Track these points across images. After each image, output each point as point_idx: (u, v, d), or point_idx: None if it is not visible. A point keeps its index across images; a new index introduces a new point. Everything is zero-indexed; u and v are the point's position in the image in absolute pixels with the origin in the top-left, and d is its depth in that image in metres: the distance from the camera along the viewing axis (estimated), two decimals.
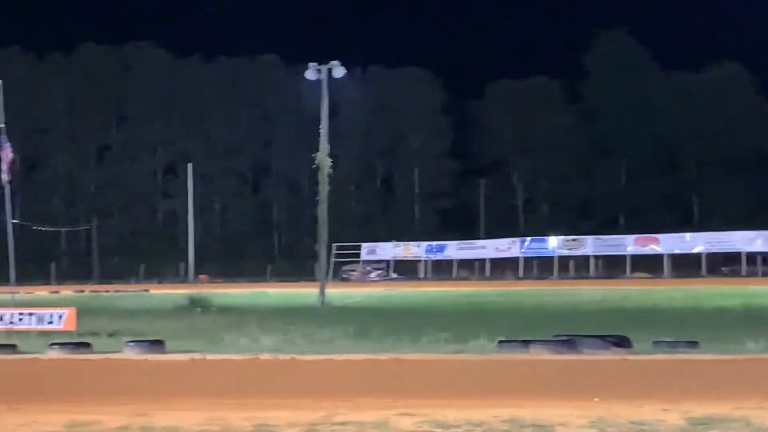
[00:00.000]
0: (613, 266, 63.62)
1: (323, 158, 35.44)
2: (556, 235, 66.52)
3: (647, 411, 10.27)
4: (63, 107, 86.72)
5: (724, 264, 61.60)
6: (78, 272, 73.58)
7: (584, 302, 32.22)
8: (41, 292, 49.97)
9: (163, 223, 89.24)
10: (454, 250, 69.42)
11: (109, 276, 74.14)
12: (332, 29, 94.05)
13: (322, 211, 35.44)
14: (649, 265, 61.60)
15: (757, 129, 77.17)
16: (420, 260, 70.28)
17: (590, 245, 64.59)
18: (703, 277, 55.43)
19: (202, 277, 68.57)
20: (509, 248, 67.20)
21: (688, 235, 63.20)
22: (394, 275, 67.07)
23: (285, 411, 10.32)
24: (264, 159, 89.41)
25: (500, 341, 16.91)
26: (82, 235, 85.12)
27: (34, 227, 58.02)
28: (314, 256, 41.17)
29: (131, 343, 17.64)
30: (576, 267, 64.83)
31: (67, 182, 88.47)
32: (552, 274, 63.06)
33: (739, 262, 59.57)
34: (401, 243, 71.41)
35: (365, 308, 31.18)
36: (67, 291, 54.61)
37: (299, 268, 64.23)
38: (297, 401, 11.24)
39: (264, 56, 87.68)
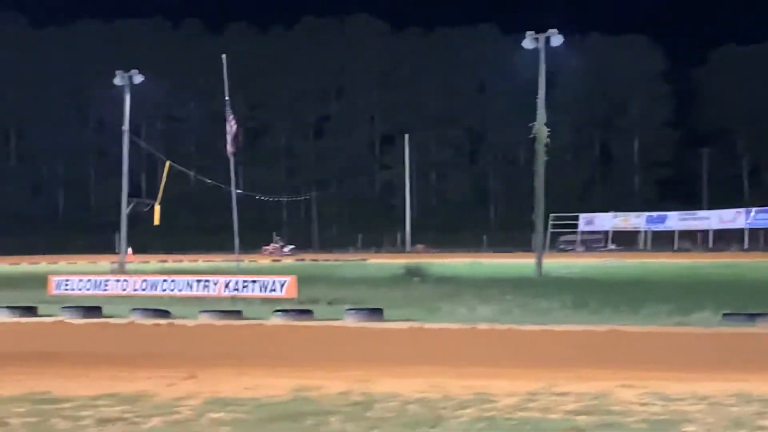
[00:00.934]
0: None
1: (540, 128, 34.91)
2: None
3: None
4: (284, 80, 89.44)
5: None
6: (298, 241, 76.05)
7: None
8: (263, 260, 51.89)
9: (380, 193, 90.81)
10: (676, 220, 67.34)
11: (327, 245, 76.21)
12: None
13: (539, 181, 34.97)
14: None
15: None
16: (639, 231, 68.62)
17: None
18: None
19: (418, 246, 69.48)
20: (734, 219, 64.50)
21: None
22: (612, 246, 65.76)
23: (503, 380, 10.23)
24: (480, 129, 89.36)
25: (725, 314, 16.29)
26: (302, 205, 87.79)
27: (257, 197, 60.22)
28: (530, 227, 40.73)
29: (351, 311, 18.00)
30: None
31: (288, 153, 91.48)
32: None
33: None
34: (620, 214, 69.90)
35: (583, 279, 30.64)
36: (287, 259, 56.47)
37: (515, 239, 63.86)
38: (515, 371, 11.13)
39: (481, 25, 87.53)
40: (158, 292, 24.01)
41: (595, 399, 9.13)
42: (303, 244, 75.14)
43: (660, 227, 67.71)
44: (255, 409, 8.32)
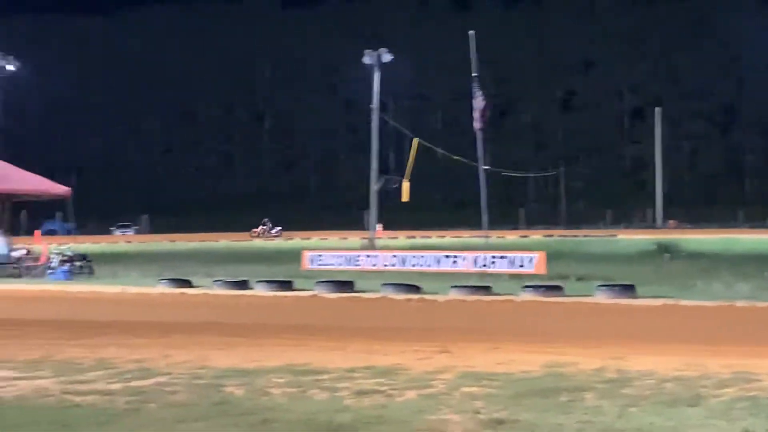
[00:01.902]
0: None
1: None
2: None
3: None
4: (531, 55, 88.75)
5: None
6: (545, 217, 75.26)
7: None
8: (511, 236, 51.76)
9: (629, 168, 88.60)
10: None
11: (575, 220, 75.08)
12: None
13: None
14: None
15: None
16: None
17: None
18: None
19: (670, 222, 67.25)
20: None
21: None
22: None
23: (766, 359, 9.68)
24: (734, 101, 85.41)
25: None
26: (550, 181, 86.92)
27: (504, 173, 60.03)
28: None
29: (602, 287, 17.62)
30: None
31: (535, 128, 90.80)
32: None
33: None
34: None
35: None
36: (535, 235, 56.08)
37: None
38: None
39: None
40: (408, 267, 24.42)
41: None
42: (551, 220, 74.38)
43: None
44: (508, 384, 8.25)
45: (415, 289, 18.56)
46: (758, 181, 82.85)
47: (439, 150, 43.05)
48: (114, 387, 8.15)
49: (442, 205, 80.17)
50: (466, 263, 23.75)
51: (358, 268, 24.85)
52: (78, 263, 24.26)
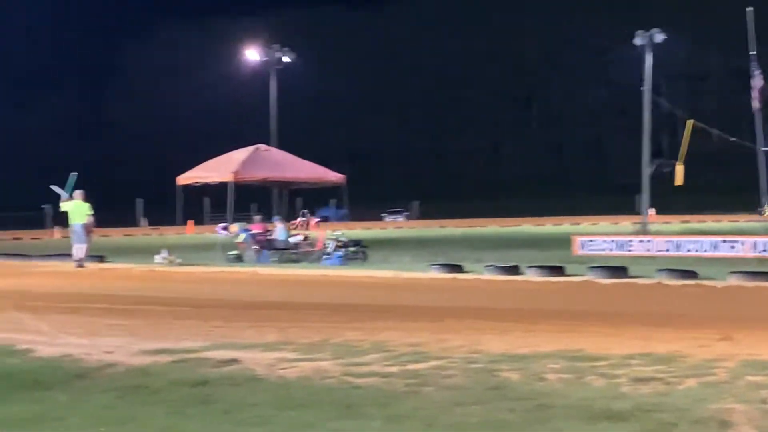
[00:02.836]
0: None
1: None
2: None
3: None
4: None
5: None
6: None
7: None
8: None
9: None
10: None
11: None
12: None
13: None
14: None
15: None
16: None
17: None
18: None
19: None
20: None
21: None
22: None
23: None
24: None
25: None
26: None
27: None
28: None
29: None
30: None
31: None
32: None
33: None
34: None
35: None
36: None
37: None
38: None
39: None
40: (683, 252, 23.59)
41: None
42: None
43: None
44: None
45: (692, 274, 17.84)
46: None
47: (715, 131, 41.34)
48: (391, 369, 8.31)
49: (717, 188, 76.85)
50: (745, 248, 22.65)
51: (630, 253, 24.27)
52: (352, 249, 25.00)
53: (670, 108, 47.99)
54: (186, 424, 6.39)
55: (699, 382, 7.53)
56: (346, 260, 24.03)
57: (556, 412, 6.56)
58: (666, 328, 10.81)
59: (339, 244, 24.80)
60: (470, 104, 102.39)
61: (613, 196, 72.73)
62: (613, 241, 25.81)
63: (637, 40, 39.49)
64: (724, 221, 50.18)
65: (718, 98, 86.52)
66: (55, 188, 26.26)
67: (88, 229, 25.50)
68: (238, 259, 25.59)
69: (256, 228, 27.31)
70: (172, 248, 26.84)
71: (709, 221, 51.59)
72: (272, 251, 25.96)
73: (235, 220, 28.62)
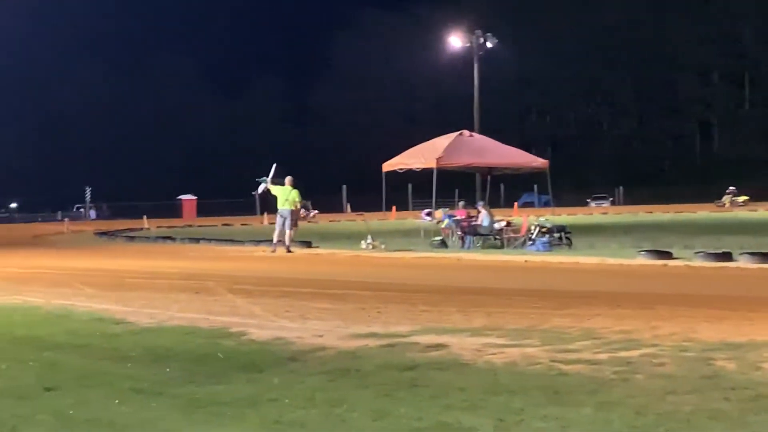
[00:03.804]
0: None
1: None
2: None
3: None
4: None
5: None
6: None
7: None
8: None
9: None
10: None
11: None
12: None
13: None
14: None
15: None
16: None
17: None
18: None
19: None
20: None
21: None
22: None
23: None
24: None
25: None
26: None
27: None
28: None
29: None
30: None
31: None
32: None
33: None
34: None
35: None
36: None
37: None
38: None
39: None
40: None
41: None
42: None
43: None
44: None
45: None
46: None
47: None
48: (601, 357, 8.15)
49: None
50: None
51: None
52: (556, 235, 24.67)
53: None
54: (395, 407, 6.46)
55: None
56: (551, 246, 23.72)
57: None
58: None
59: (543, 230, 24.51)
60: (679, 86, 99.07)
61: None
62: None
63: None
64: None
65: None
66: (260, 180, 27.22)
67: (295, 216, 26.36)
68: (443, 244, 25.73)
69: (460, 214, 27.41)
70: (375, 234, 27.27)
71: None
72: (476, 237, 25.98)
73: (438, 206, 28.80)
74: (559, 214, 35.42)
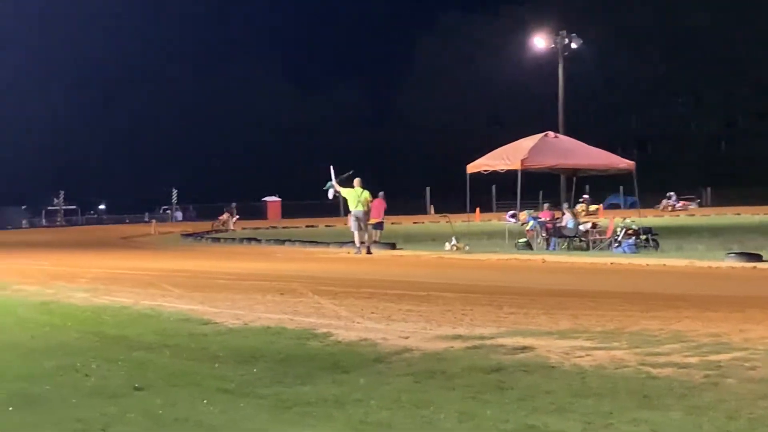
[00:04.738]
0: None
1: None
2: None
3: None
4: None
5: None
6: None
7: None
8: None
9: None
10: None
11: None
12: None
13: None
14: None
15: None
16: None
17: None
18: None
19: None
20: None
21: None
22: None
23: None
24: None
25: None
26: None
27: None
28: None
29: None
30: None
31: None
32: None
33: None
34: None
35: None
36: None
37: None
38: None
39: None
40: None
41: None
42: None
43: None
44: None
45: None
46: None
47: None
48: (690, 360, 8.00)
49: None
50: None
51: None
52: (643, 237, 24.34)
53: None
54: (482, 409, 6.44)
55: None
56: (637, 248, 23.42)
57: None
58: None
59: (629, 231, 24.20)
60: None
61: None
62: None
63: None
64: None
65: None
66: (327, 186, 27.40)
67: (367, 217, 26.64)
68: (527, 246, 25.57)
69: (545, 215, 27.23)
70: (460, 236, 27.22)
71: None
72: (561, 239, 25.76)
73: (522, 208, 28.63)
74: (645, 216, 34.93)
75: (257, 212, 75.15)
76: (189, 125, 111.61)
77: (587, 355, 8.41)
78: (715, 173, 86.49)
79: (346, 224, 30.50)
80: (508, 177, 28.45)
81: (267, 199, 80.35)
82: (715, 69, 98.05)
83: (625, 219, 27.11)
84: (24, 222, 79.74)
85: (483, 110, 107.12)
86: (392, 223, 42.44)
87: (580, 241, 25.79)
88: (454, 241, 26.10)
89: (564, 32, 47.56)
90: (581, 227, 26.15)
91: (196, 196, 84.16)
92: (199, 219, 72.63)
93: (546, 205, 29.32)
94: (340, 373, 7.89)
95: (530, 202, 33.86)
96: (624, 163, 28.79)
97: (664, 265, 19.57)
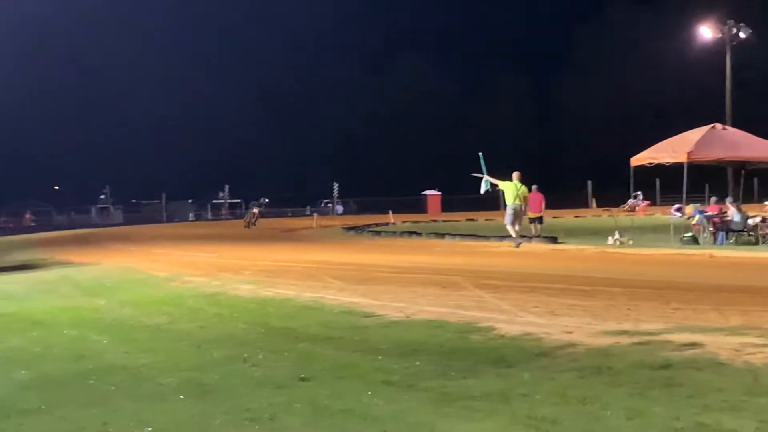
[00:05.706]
0: None
1: None
2: None
3: None
4: None
5: None
6: None
7: None
8: None
9: None
10: None
11: None
12: None
13: None
14: None
15: None
16: None
17: None
18: None
19: None
20: None
21: None
22: None
23: None
24: None
25: None
26: None
27: None
28: None
29: None
30: None
31: None
32: None
33: None
34: None
35: None
36: None
37: None
38: None
39: None
40: None
41: None
42: None
43: None
44: None
45: None
46: None
47: None
48: None
49: None
50: None
51: None
52: None
53: None
54: (650, 406, 6.29)
55: None
56: None
57: None
58: None
59: None
60: None
61: None
62: None
63: None
64: None
65: None
66: (480, 175, 27.31)
67: (523, 211, 26.57)
68: (694, 241, 24.85)
69: (712, 209, 26.40)
70: (623, 230, 26.69)
71: None
72: (728, 233, 24.92)
73: (688, 201, 27.83)
74: None
75: (417, 206, 75.59)
76: (350, 119, 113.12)
77: (759, 352, 8.11)
78: None
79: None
80: (673, 170, 27.68)
81: (427, 192, 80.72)
82: None
83: None
84: (191, 215, 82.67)
85: (646, 102, 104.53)
86: (553, 217, 41.97)
87: (749, 235, 24.89)
88: (617, 236, 25.60)
89: (731, 21, 45.91)
90: (750, 221, 25.21)
91: (357, 190, 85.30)
92: (359, 212, 73.55)
93: (713, 199, 28.40)
94: (504, 368, 7.85)
95: (696, 196, 32.82)
96: None
97: None
